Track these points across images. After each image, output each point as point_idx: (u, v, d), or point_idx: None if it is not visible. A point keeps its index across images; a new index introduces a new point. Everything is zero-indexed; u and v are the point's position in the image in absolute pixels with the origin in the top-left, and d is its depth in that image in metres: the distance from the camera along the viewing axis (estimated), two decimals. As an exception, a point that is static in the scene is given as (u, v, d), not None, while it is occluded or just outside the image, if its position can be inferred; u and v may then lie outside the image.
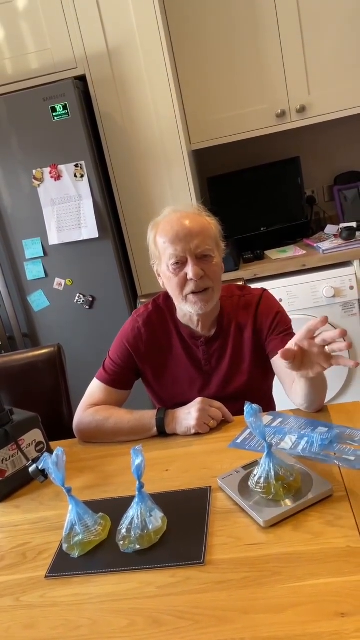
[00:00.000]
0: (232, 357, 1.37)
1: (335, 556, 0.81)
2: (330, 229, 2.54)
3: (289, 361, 1.02)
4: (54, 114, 2.13)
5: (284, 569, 0.81)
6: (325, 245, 2.35)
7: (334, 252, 2.29)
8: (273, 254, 2.50)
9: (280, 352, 1.01)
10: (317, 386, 1.18)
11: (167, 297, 1.39)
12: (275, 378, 1.40)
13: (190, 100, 2.44)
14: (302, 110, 2.40)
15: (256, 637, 0.71)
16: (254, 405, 0.95)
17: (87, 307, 2.36)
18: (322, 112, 2.41)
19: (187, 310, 1.32)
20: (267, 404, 1.47)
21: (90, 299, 2.34)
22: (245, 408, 0.95)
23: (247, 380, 1.37)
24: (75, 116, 2.13)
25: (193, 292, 1.26)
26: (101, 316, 2.35)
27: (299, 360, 1.05)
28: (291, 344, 1.03)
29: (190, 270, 1.24)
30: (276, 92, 2.41)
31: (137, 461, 0.90)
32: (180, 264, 1.26)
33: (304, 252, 2.42)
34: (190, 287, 1.26)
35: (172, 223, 1.27)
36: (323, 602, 0.74)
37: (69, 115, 2.12)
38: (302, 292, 2.29)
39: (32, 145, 2.18)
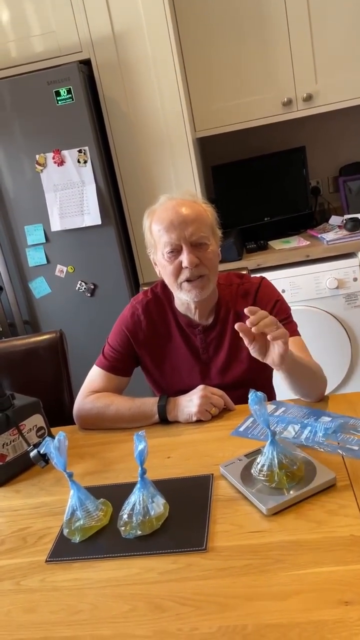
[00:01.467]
0: (231, 346, 1.36)
1: (338, 545, 0.80)
2: (335, 219, 2.52)
3: (251, 344, 1.09)
4: (57, 98, 2.10)
5: (287, 556, 0.80)
6: (329, 236, 2.33)
7: (338, 243, 2.27)
8: (276, 244, 2.48)
9: (236, 325, 1.07)
10: (300, 377, 1.19)
11: (164, 285, 1.38)
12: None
13: (196, 87, 2.41)
14: (308, 99, 2.37)
15: (259, 624, 0.70)
16: (259, 393, 0.94)
17: (89, 294, 2.34)
18: (329, 101, 2.38)
19: (183, 298, 1.31)
20: (268, 393, 1.45)
21: (92, 287, 2.33)
22: (249, 395, 0.94)
23: (247, 369, 1.36)
24: (79, 101, 2.10)
25: (188, 280, 1.26)
26: (102, 304, 2.34)
27: (261, 344, 1.10)
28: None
29: (185, 258, 1.23)
30: (283, 80, 2.38)
31: (140, 447, 0.89)
32: (175, 252, 1.25)
33: (308, 242, 2.40)
34: (185, 274, 1.25)
35: (167, 211, 1.25)
36: (326, 591, 0.73)
37: (73, 100, 2.09)
38: (305, 283, 2.27)
39: (36, 129, 2.15)
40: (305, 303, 2.29)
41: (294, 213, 2.65)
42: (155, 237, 1.28)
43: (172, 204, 1.27)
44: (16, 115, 2.15)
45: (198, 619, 0.73)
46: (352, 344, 2.31)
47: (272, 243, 2.52)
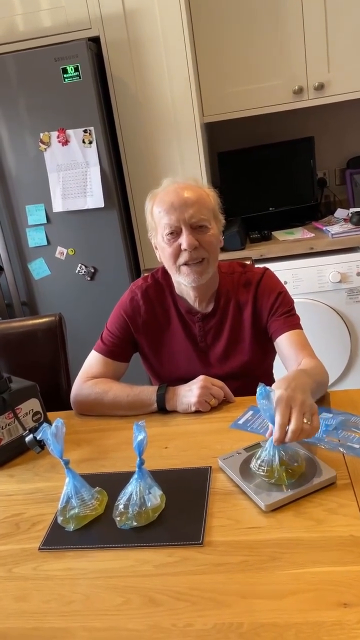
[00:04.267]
0: (230, 336, 1.35)
1: (337, 545, 0.79)
2: (341, 212, 2.49)
3: None
4: (64, 76, 2.05)
5: (285, 554, 0.79)
6: (334, 229, 2.30)
7: (343, 237, 2.25)
8: (280, 235, 2.45)
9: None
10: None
11: (165, 271, 1.37)
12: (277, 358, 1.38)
13: (206, 70, 2.35)
14: (320, 87, 2.33)
15: (255, 623, 0.69)
16: (267, 387, 0.92)
17: (89, 278, 2.31)
18: (341, 91, 2.33)
19: (181, 282, 1.29)
20: (267, 384, 1.44)
21: (92, 271, 2.30)
22: (258, 389, 0.91)
23: (247, 360, 1.35)
24: (87, 79, 2.05)
25: (186, 263, 1.24)
26: (102, 289, 2.31)
27: None
28: None
29: (184, 240, 1.22)
30: (295, 68, 2.33)
31: (140, 437, 0.87)
32: (175, 234, 1.23)
33: (312, 234, 2.37)
34: (184, 257, 1.24)
35: (169, 194, 1.24)
36: (324, 591, 0.72)
37: (80, 78, 2.04)
38: (307, 276, 2.25)
39: (41, 107, 2.10)
40: (306, 296, 2.27)
41: (299, 204, 2.62)
42: (156, 220, 1.26)
43: (174, 187, 1.25)
44: (21, 91, 2.09)
45: (193, 615, 0.71)
46: (352, 338, 2.30)
47: (275, 234, 2.49)
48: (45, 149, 2.13)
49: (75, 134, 2.10)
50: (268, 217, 2.60)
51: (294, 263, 2.26)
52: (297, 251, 2.29)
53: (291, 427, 0.90)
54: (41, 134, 2.12)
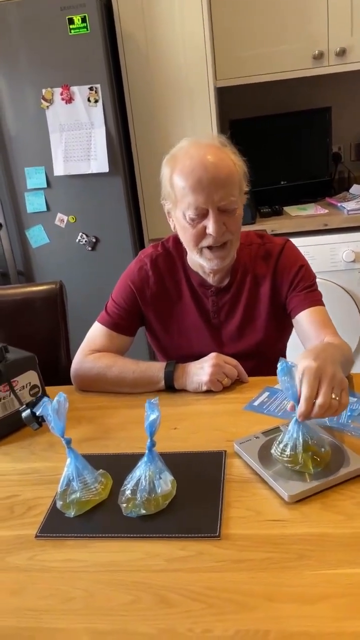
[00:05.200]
0: (246, 312, 1.25)
1: (372, 543, 0.70)
2: (356, 189, 2.38)
3: None
4: (70, 27, 1.90)
5: (314, 552, 0.70)
6: (350, 205, 2.19)
7: (359, 213, 2.14)
8: (292, 210, 2.34)
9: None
10: None
11: (177, 240, 1.25)
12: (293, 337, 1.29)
13: (221, 30, 2.20)
14: (341, 53, 2.19)
15: (283, 631, 0.60)
16: (290, 363, 0.82)
17: (90, 248, 2.19)
18: (365, 58, 2.20)
19: (200, 263, 1.19)
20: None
21: (94, 240, 2.18)
22: (279, 364, 0.82)
23: (262, 338, 1.26)
24: (94, 32, 1.91)
25: (209, 247, 1.13)
26: (103, 260, 2.19)
27: None
28: None
29: (210, 225, 1.10)
30: (316, 31, 2.19)
31: (152, 416, 0.78)
32: (200, 215, 1.11)
33: (326, 211, 2.26)
34: (208, 241, 1.13)
35: (193, 163, 1.09)
36: (361, 596, 0.63)
37: (87, 30, 1.90)
38: (320, 254, 2.14)
39: (44, 60, 1.96)
40: (317, 275, 2.16)
41: (312, 179, 2.50)
42: (177, 193, 1.12)
43: (198, 153, 1.10)
44: (23, 42, 1.95)
45: (211, 619, 0.63)
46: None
47: (287, 209, 2.37)
48: (48, 106, 2.00)
49: (80, 91, 1.96)
50: (279, 192, 2.48)
51: (306, 240, 2.15)
52: (310, 227, 2.18)
53: (319, 401, 0.81)
54: (43, 90, 1.98)
